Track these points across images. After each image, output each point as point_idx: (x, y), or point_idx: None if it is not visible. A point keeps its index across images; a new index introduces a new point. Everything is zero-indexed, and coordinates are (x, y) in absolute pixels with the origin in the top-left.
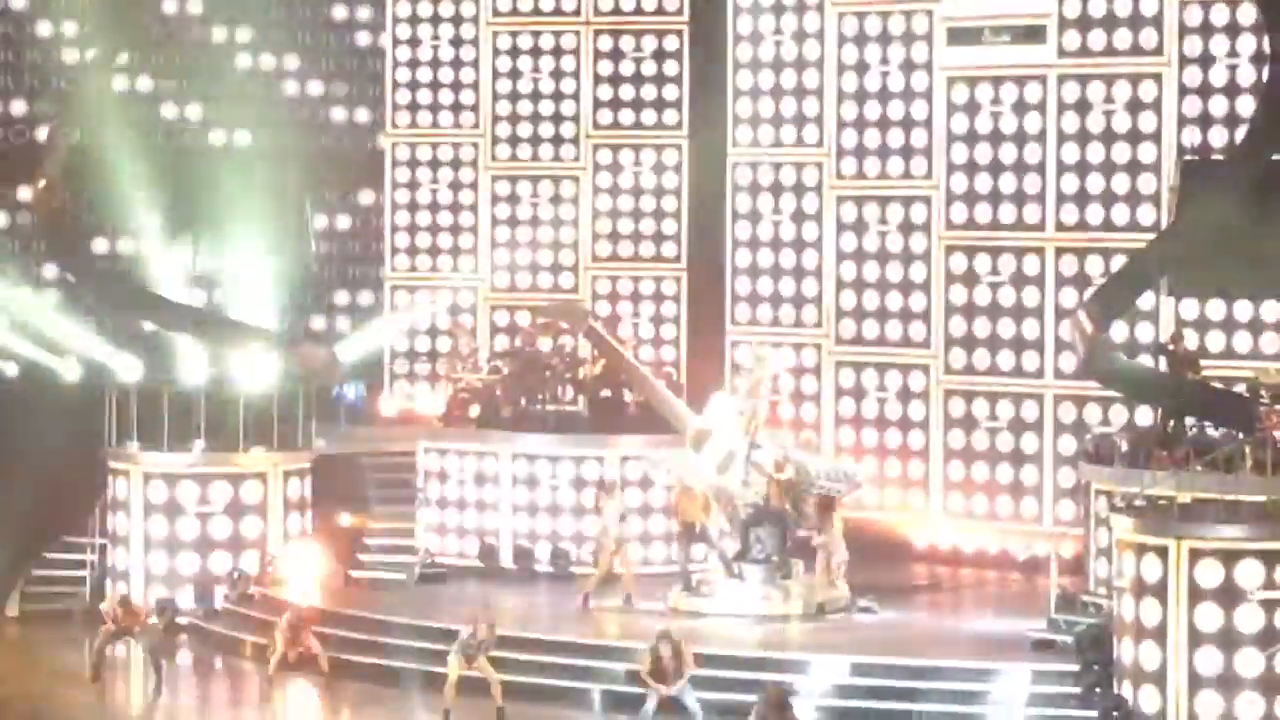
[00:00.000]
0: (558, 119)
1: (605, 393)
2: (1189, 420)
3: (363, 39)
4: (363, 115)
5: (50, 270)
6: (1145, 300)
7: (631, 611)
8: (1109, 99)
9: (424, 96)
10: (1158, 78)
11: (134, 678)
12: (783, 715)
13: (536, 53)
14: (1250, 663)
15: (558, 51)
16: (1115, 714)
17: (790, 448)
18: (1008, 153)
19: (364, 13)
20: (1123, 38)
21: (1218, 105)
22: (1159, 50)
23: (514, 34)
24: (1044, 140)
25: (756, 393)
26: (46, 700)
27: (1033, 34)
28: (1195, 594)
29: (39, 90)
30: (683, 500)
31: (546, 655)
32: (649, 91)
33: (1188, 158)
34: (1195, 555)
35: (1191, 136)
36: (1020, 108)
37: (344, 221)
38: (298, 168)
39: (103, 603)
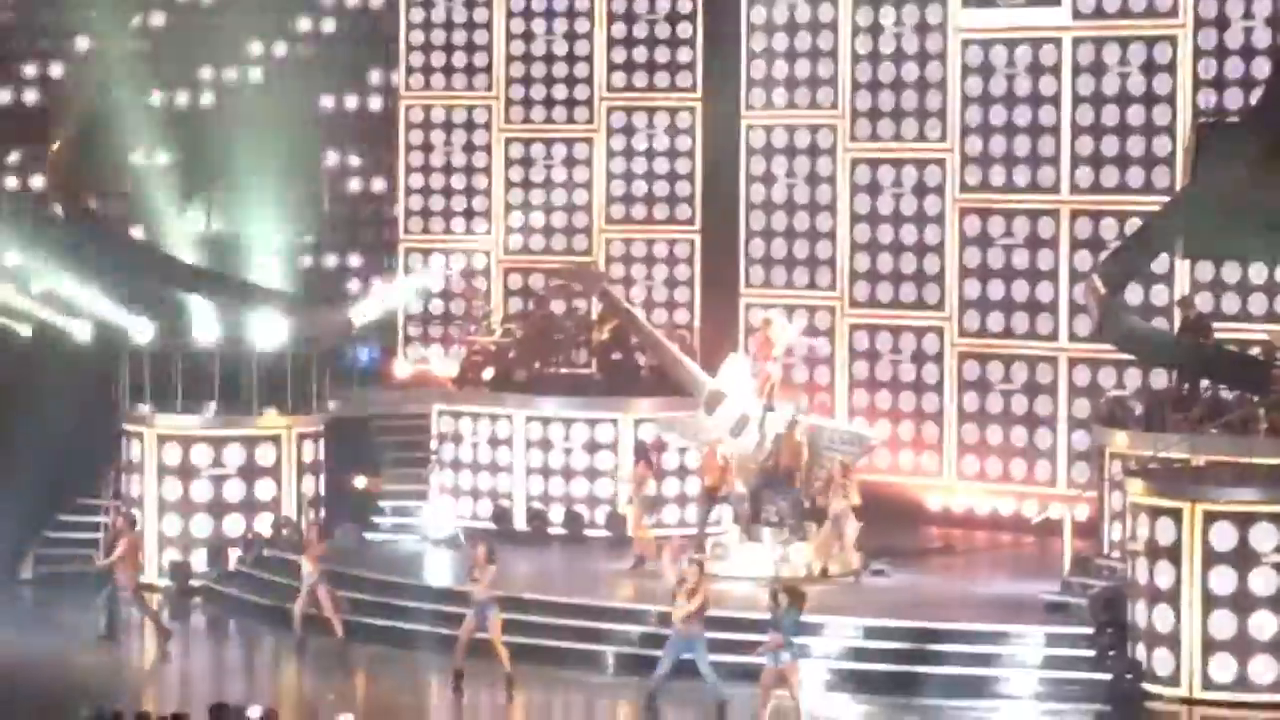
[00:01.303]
0: (571, 81)
1: (617, 355)
2: (1203, 383)
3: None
4: (375, 77)
5: (63, 231)
6: (1160, 263)
7: (644, 574)
8: (1124, 61)
9: (437, 59)
10: (1173, 40)
11: (147, 638)
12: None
13: (550, 14)
14: (1264, 625)
15: (571, 13)
16: (1129, 677)
17: (802, 411)
18: (1022, 115)
19: None
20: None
21: (1233, 68)
22: (1174, 12)
23: None
24: (1059, 103)
25: (769, 355)
26: (54, 663)
27: None
28: (1209, 557)
29: (52, 52)
30: (708, 463)
31: (559, 618)
32: (663, 54)
33: (1203, 120)
34: (1209, 518)
35: (1206, 99)
36: (1035, 70)
37: (357, 184)
38: (311, 130)
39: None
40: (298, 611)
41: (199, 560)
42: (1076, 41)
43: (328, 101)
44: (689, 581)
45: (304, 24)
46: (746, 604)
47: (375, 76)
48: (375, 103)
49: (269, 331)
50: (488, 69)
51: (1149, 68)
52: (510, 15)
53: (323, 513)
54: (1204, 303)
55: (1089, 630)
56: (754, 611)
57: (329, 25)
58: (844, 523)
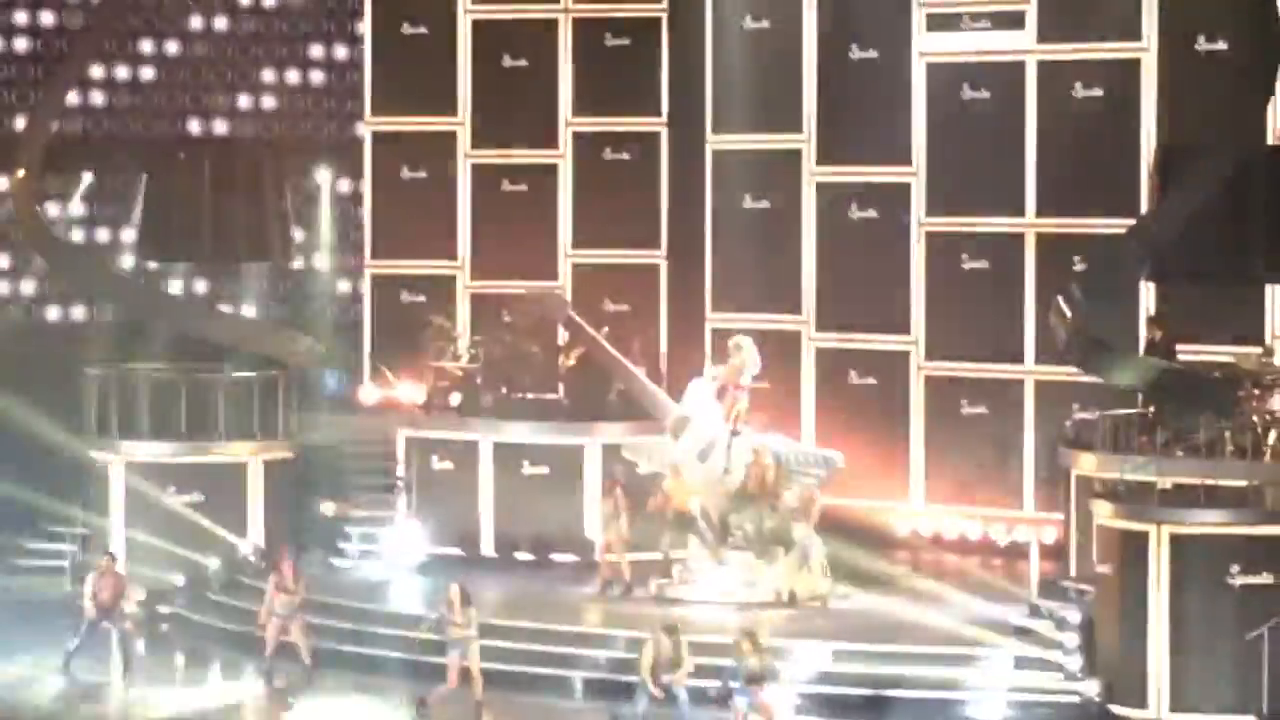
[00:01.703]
0: (537, 106)
1: (592, 378)
2: (1169, 406)
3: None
4: (342, 103)
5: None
6: (1125, 286)
7: (612, 599)
8: (1088, 85)
9: (404, 84)
10: (1137, 63)
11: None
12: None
13: (516, 39)
14: (1230, 648)
15: (538, 39)
16: (1096, 699)
17: (768, 434)
18: (987, 138)
19: None
20: (1102, 23)
21: (1196, 90)
22: (1138, 35)
23: (495, 21)
24: (1023, 125)
25: (737, 383)
26: (19, 690)
27: (1013, 19)
28: (1176, 580)
29: (18, 76)
30: (674, 486)
31: (527, 643)
32: (629, 79)
33: (1167, 143)
34: (1176, 541)
35: (1170, 122)
36: (1000, 93)
37: (323, 209)
38: (275, 155)
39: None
40: (270, 638)
41: (168, 587)
42: (1041, 64)
43: (294, 127)
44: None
45: (270, 49)
46: (712, 628)
47: (342, 102)
48: (341, 127)
49: (237, 358)
50: (453, 94)
51: (1114, 90)
52: (477, 40)
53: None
54: (1169, 325)
55: (1057, 653)
56: (719, 635)
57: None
58: (809, 547)
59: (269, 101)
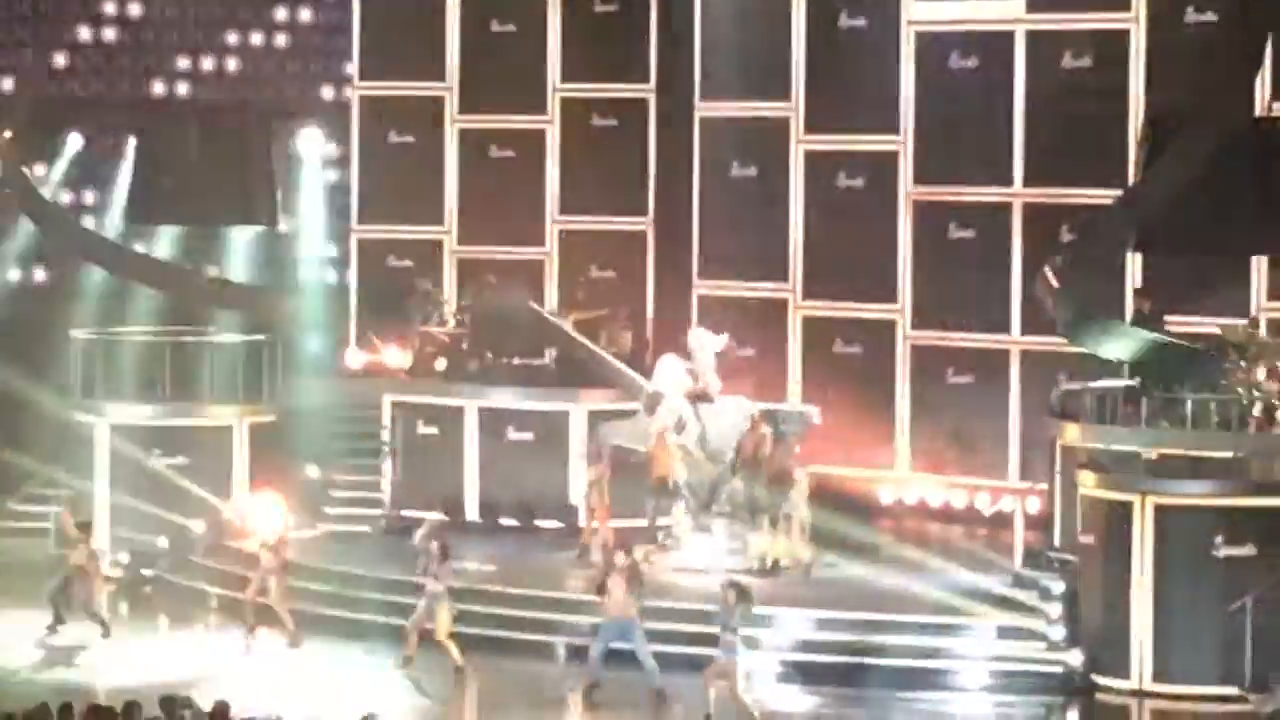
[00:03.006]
0: (525, 72)
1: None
2: (1154, 376)
3: None
4: (330, 67)
5: (17, 219)
6: (1112, 256)
7: (591, 565)
8: (1077, 54)
9: (391, 48)
10: (1125, 34)
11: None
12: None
13: (505, 4)
14: (1215, 618)
15: (526, 4)
16: (1079, 669)
17: (736, 398)
18: (975, 108)
19: None
20: None
21: (1184, 61)
22: (1127, 5)
23: None
24: (1012, 95)
25: (703, 377)
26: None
27: None
28: (1160, 550)
29: (3, 40)
30: (658, 454)
31: (510, 608)
32: (617, 45)
33: (1154, 114)
34: (1160, 511)
35: (1159, 93)
36: (988, 62)
37: (310, 173)
38: (262, 119)
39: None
40: (249, 601)
41: (151, 550)
42: (1030, 34)
43: (281, 91)
44: (621, 566)
45: (257, 12)
46: (696, 595)
47: (329, 65)
48: (328, 92)
49: (221, 321)
50: (441, 59)
51: (1102, 61)
52: (464, 4)
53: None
54: (1156, 297)
55: (1040, 622)
56: (703, 603)
57: (282, 13)
58: (796, 514)
59: (256, 65)
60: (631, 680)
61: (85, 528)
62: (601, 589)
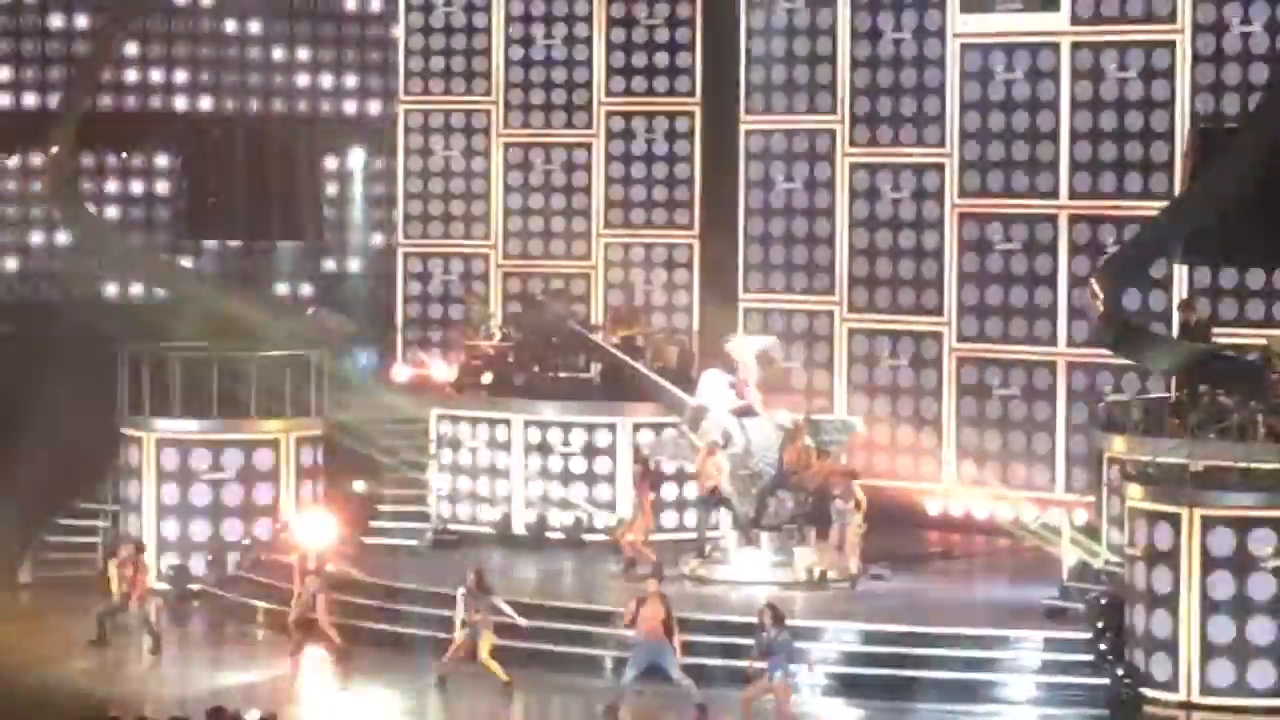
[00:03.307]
0: (570, 86)
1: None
2: (1202, 388)
3: (375, 3)
4: (375, 82)
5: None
6: (1158, 268)
7: (635, 579)
8: (1122, 66)
9: (436, 63)
10: (1171, 45)
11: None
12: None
13: (549, 19)
14: (1262, 630)
15: (570, 18)
16: (1127, 682)
17: (779, 410)
18: (1021, 120)
19: None
20: (1136, 5)
21: (1231, 73)
22: (1172, 17)
23: (529, 1)
24: (1057, 108)
25: (746, 390)
26: (50, 666)
27: (1046, 1)
28: (1207, 562)
29: (52, 56)
30: (705, 467)
31: (558, 622)
32: (662, 59)
33: (1201, 125)
34: (1207, 523)
35: (1204, 104)
36: (1033, 74)
37: (356, 189)
38: (309, 134)
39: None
40: (293, 617)
41: (197, 564)
42: (1075, 46)
43: (326, 106)
44: (652, 592)
45: (303, 28)
46: (742, 608)
47: (375, 81)
48: (375, 107)
49: (270, 337)
50: (487, 73)
51: (1147, 73)
52: (510, 19)
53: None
54: (1202, 308)
55: (1087, 635)
56: (749, 615)
57: (328, 29)
58: (847, 526)
59: (303, 80)
60: (672, 694)
61: (139, 547)
62: (633, 615)
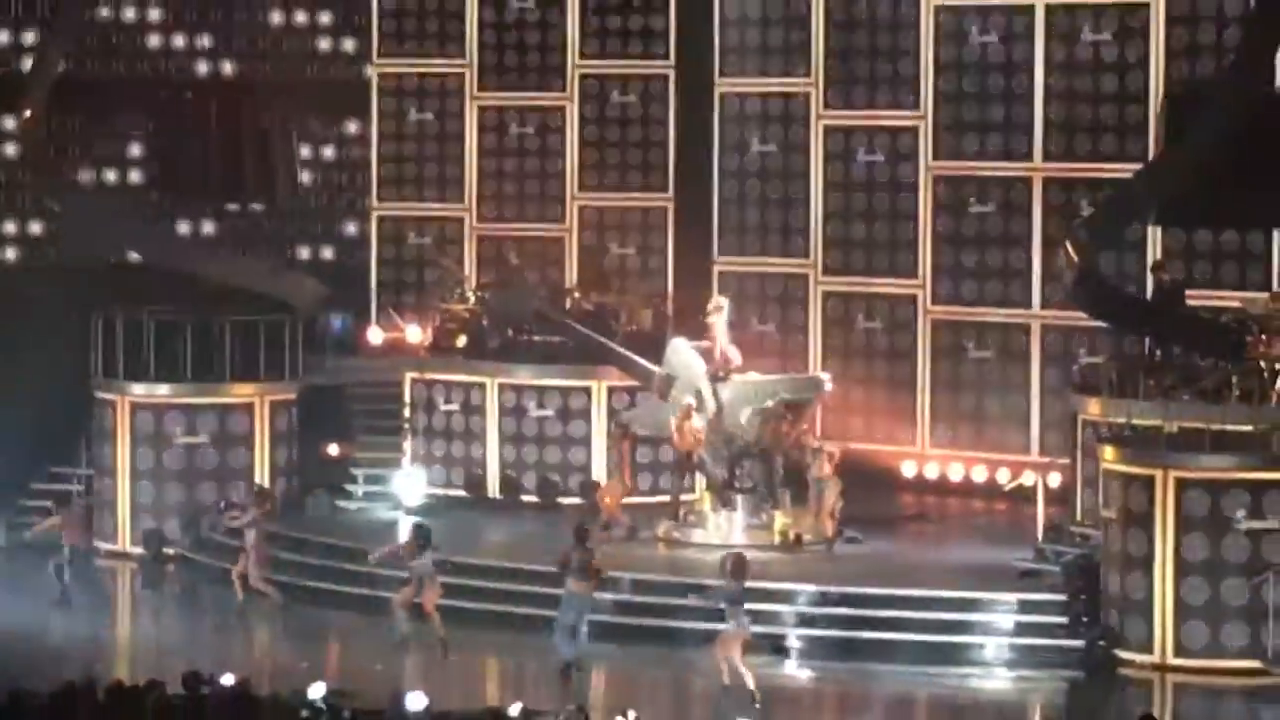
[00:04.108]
0: (544, 48)
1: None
2: (1175, 350)
3: None
4: (348, 45)
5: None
6: (1132, 230)
7: (616, 542)
8: (1097, 29)
9: (410, 25)
10: (1145, 7)
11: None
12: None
13: None
14: (1236, 591)
15: None
16: (1101, 643)
17: (748, 374)
18: (995, 82)
19: None
20: None
21: (1206, 35)
22: None
23: None
24: (1032, 70)
25: (721, 350)
26: (31, 632)
27: None
28: (1182, 524)
29: (24, 19)
30: (682, 427)
31: (532, 585)
32: (636, 20)
33: (1175, 88)
34: (1182, 485)
35: (1179, 67)
36: (1008, 37)
37: (329, 152)
38: (283, 98)
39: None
40: (236, 576)
41: (172, 528)
42: (1049, 8)
43: (299, 69)
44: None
45: None
46: (714, 572)
47: (348, 43)
48: (348, 70)
49: (242, 300)
50: (460, 36)
51: (1122, 34)
52: None
53: (281, 481)
54: (1176, 270)
55: (1062, 597)
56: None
57: None
58: (824, 490)
59: (275, 43)
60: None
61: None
62: (565, 564)
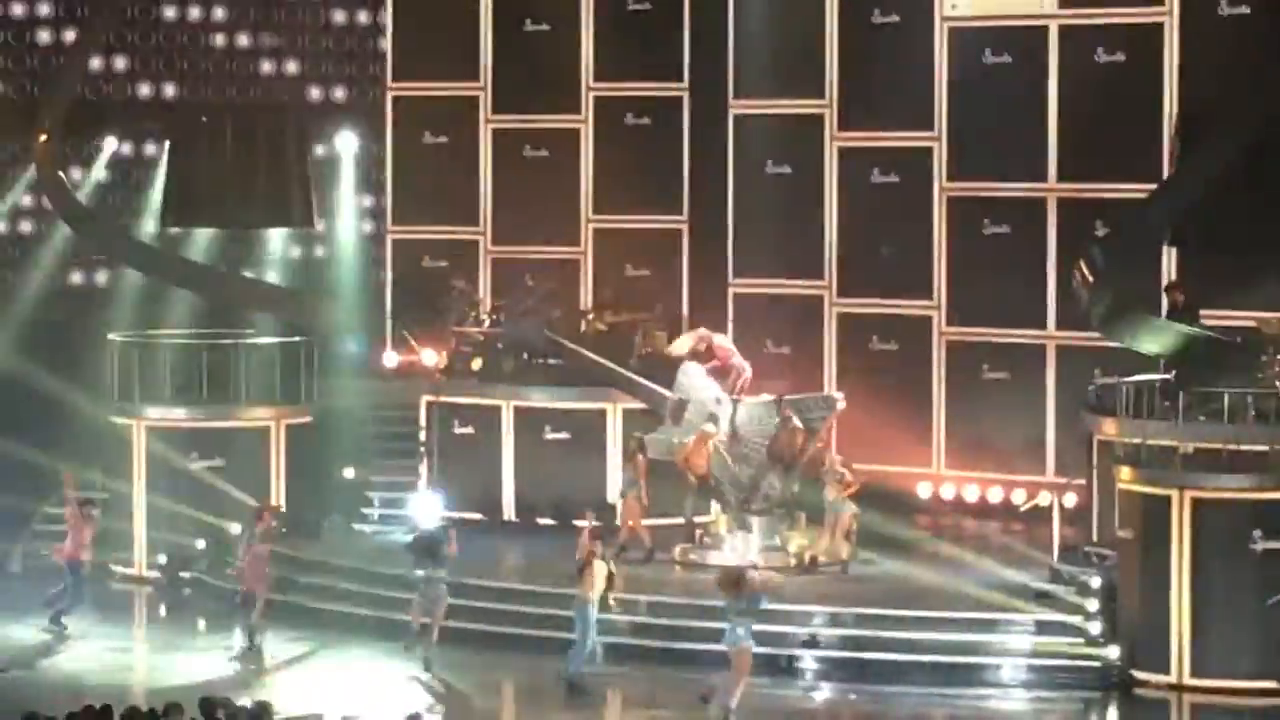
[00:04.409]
0: (559, 71)
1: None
2: (1191, 370)
3: None
4: (365, 68)
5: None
6: (1147, 251)
7: (632, 564)
8: (1110, 49)
9: (425, 49)
10: (1159, 27)
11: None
12: (738, 589)
13: (537, 4)
14: (1252, 613)
15: (558, 3)
16: (1117, 664)
17: (760, 396)
18: (1010, 103)
19: None
20: None
21: (1220, 55)
22: (1161, 0)
23: None
24: (1046, 91)
25: (727, 359)
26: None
27: None
28: (1198, 544)
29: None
30: (694, 452)
31: (548, 608)
32: (650, 43)
33: (1189, 108)
34: (1198, 505)
35: (1192, 85)
36: (1022, 58)
37: (345, 174)
38: (297, 120)
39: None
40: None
41: (189, 553)
42: (1063, 29)
43: (315, 91)
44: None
45: (291, 13)
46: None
47: (363, 67)
48: (363, 93)
49: (258, 323)
50: (475, 59)
51: (1135, 55)
52: (498, 4)
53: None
54: (1191, 291)
55: (1078, 618)
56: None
57: (316, 14)
58: (839, 511)
59: (291, 66)
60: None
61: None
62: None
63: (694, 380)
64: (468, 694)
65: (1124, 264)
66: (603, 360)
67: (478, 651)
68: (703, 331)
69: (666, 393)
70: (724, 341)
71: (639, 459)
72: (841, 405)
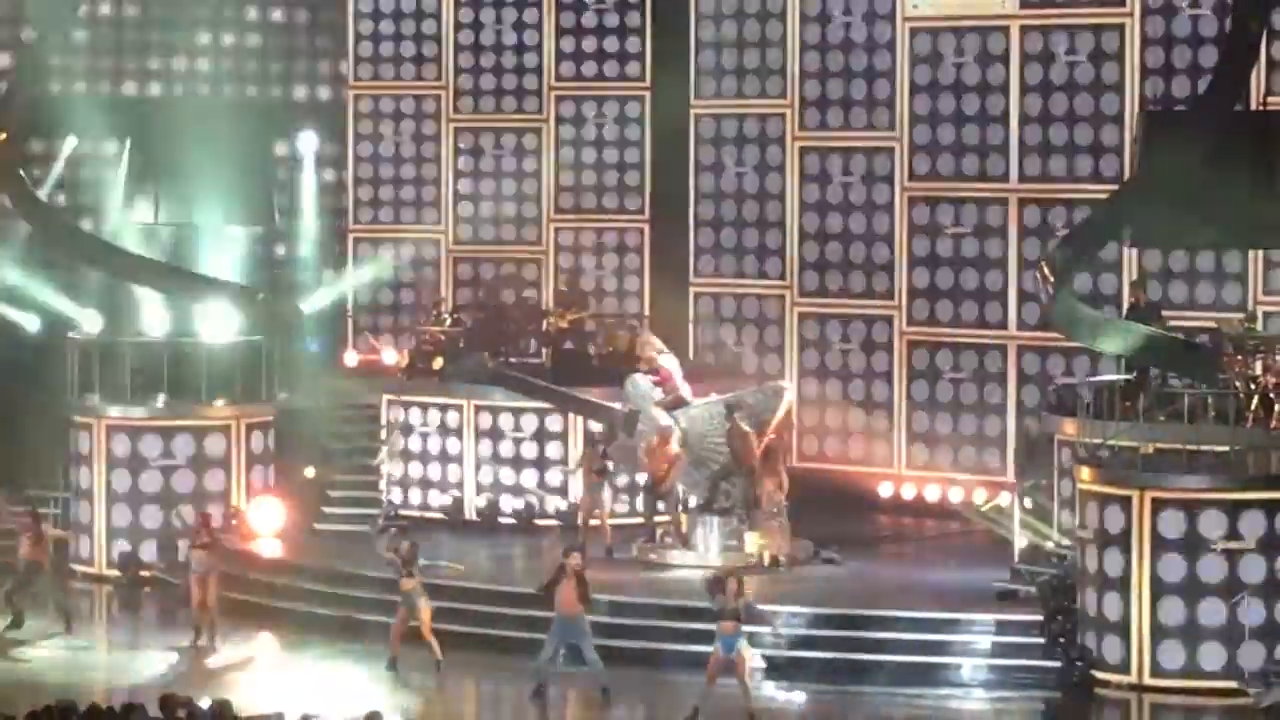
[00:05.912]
0: (520, 71)
1: (568, 345)
2: (1152, 371)
3: None
4: (325, 67)
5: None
6: (1108, 251)
7: (593, 563)
8: (1072, 50)
9: (386, 49)
10: (1120, 28)
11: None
12: (723, 588)
13: (499, 4)
14: (1213, 612)
15: (520, 3)
16: (1078, 664)
17: (709, 396)
18: (971, 103)
19: None
20: None
21: (1181, 56)
22: (1121, 0)
23: None
24: (1007, 91)
25: (653, 363)
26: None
27: None
28: (1158, 544)
29: None
30: (651, 454)
31: (510, 608)
32: (611, 43)
33: (1150, 109)
34: (1158, 505)
35: (1154, 87)
36: (983, 58)
37: (307, 174)
38: (258, 118)
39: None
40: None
41: (148, 551)
42: (1025, 29)
43: (276, 91)
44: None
45: (252, 12)
46: (693, 593)
47: (324, 66)
48: (324, 92)
49: (218, 322)
50: (436, 59)
51: (1097, 56)
52: (459, 4)
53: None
54: (1152, 291)
55: (1039, 618)
56: (700, 600)
57: (278, 14)
58: (775, 504)
59: (252, 64)
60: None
61: (35, 516)
62: (550, 589)
63: (641, 389)
64: (430, 693)
65: (1084, 265)
66: (551, 386)
67: (422, 651)
68: (660, 345)
69: (616, 406)
70: (669, 363)
71: (595, 457)
72: (790, 395)
